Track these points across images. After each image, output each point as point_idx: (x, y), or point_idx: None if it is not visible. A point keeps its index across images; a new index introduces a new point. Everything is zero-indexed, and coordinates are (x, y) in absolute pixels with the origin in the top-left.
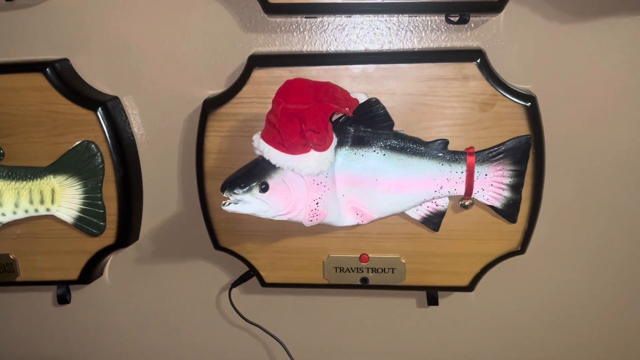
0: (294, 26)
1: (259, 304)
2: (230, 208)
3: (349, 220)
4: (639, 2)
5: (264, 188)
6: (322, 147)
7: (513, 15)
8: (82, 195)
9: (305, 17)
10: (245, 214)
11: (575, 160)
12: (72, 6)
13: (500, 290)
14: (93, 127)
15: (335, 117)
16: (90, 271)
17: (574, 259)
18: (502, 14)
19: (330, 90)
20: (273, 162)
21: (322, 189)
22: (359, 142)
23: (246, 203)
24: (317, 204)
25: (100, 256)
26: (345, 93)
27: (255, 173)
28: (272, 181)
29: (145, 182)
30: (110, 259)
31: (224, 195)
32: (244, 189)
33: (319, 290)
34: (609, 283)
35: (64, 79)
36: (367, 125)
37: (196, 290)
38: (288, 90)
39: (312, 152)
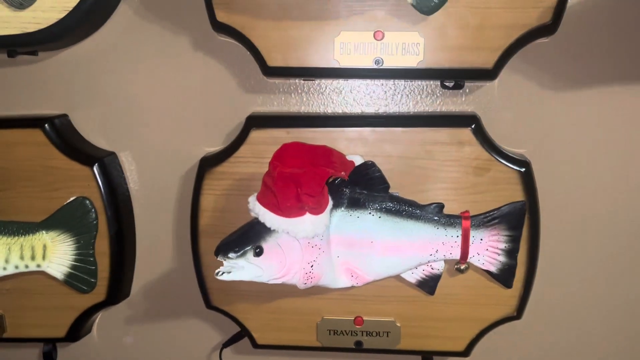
0: (292, 87)
1: None
2: (224, 277)
3: (343, 282)
4: (630, 72)
5: (259, 252)
6: (317, 210)
7: (508, 82)
8: (74, 252)
9: (304, 80)
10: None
11: (570, 225)
12: (73, 63)
13: (497, 356)
14: (89, 183)
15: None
16: (78, 328)
17: (570, 323)
18: (497, 80)
19: (326, 154)
20: (268, 225)
21: (317, 252)
22: (355, 204)
23: (240, 269)
24: (311, 266)
25: (89, 313)
26: (341, 156)
27: (250, 236)
28: (266, 245)
29: (139, 238)
30: (100, 316)
31: (218, 259)
32: (238, 253)
33: (312, 352)
34: (607, 348)
35: (62, 134)
36: (363, 188)
37: (187, 350)
38: (284, 153)
39: (308, 215)
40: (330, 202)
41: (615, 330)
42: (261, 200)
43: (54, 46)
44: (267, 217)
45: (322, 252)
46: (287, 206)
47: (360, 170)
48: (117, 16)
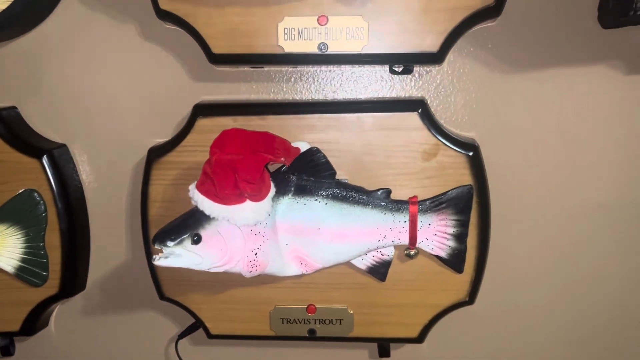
0: (241, 76)
1: (207, 355)
2: (161, 262)
3: (292, 270)
4: (575, 53)
5: (197, 240)
6: (257, 197)
7: (456, 66)
8: (24, 245)
9: (252, 67)
10: (177, 267)
11: (521, 208)
12: (20, 54)
13: (452, 342)
14: (37, 175)
15: (276, 167)
16: (33, 322)
17: (523, 308)
18: (446, 64)
19: (267, 140)
20: (207, 212)
21: (260, 239)
22: (302, 190)
23: (177, 256)
24: (255, 254)
25: (43, 307)
26: (284, 142)
27: (189, 224)
28: (205, 232)
29: (93, 230)
30: (56, 310)
31: (155, 247)
32: (175, 242)
33: (267, 342)
34: (559, 332)
35: (10, 127)
36: (309, 174)
37: (144, 342)
38: (223, 140)
39: (248, 202)
40: (273, 189)
41: (567, 312)
42: (200, 188)
43: (0, 37)
44: (206, 204)
45: (266, 240)
46: (225, 193)
47: (305, 157)
48: (62, 6)
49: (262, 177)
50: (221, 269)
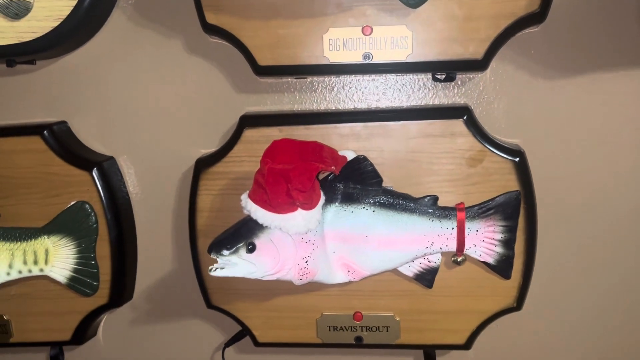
0: (284, 86)
1: None
2: (218, 273)
3: (340, 277)
4: (619, 58)
5: (251, 248)
6: (309, 205)
7: (499, 72)
8: (76, 255)
9: (295, 78)
10: (233, 277)
11: (567, 214)
12: (70, 70)
13: (499, 348)
14: (88, 188)
15: (323, 175)
16: (83, 331)
17: (571, 314)
18: (488, 71)
19: (316, 149)
20: (260, 221)
21: (310, 247)
22: (349, 198)
23: (233, 265)
24: (306, 262)
25: (93, 316)
26: (332, 151)
27: (242, 233)
28: (259, 241)
29: (140, 240)
30: (104, 319)
31: (211, 256)
32: (231, 250)
33: (313, 349)
34: (609, 337)
35: (61, 141)
36: (356, 182)
37: (190, 351)
38: (274, 150)
39: (299, 211)
40: (323, 198)
41: (616, 317)
42: (253, 197)
43: (51, 54)
44: (259, 213)
45: (316, 248)
46: (278, 202)
47: (352, 165)
48: (111, 22)
49: (313, 186)
50: (274, 277)
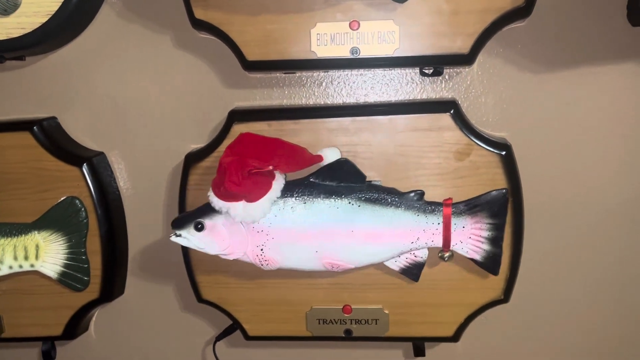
0: (273, 81)
1: (244, 357)
2: (173, 239)
3: (317, 267)
4: (605, 52)
5: (200, 228)
6: (249, 198)
7: (486, 67)
8: (66, 251)
9: (284, 73)
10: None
11: (554, 207)
12: (60, 66)
13: (487, 340)
14: (78, 183)
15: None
16: (75, 326)
17: (558, 305)
18: (476, 65)
19: (273, 147)
20: (212, 205)
21: (264, 237)
22: (334, 193)
23: (184, 238)
24: (261, 250)
25: (84, 311)
26: (296, 150)
27: (198, 214)
28: (209, 222)
29: (131, 235)
30: (96, 314)
31: (172, 229)
32: (181, 227)
33: (304, 342)
34: (595, 330)
35: (51, 136)
36: (340, 181)
37: (181, 344)
38: (237, 142)
39: (243, 202)
40: (274, 193)
41: (602, 310)
42: (213, 182)
43: (40, 50)
44: (212, 198)
45: (271, 239)
46: (219, 191)
47: (333, 167)
48: (100, 18)
49: (252, 181)
50: (230, 257)
